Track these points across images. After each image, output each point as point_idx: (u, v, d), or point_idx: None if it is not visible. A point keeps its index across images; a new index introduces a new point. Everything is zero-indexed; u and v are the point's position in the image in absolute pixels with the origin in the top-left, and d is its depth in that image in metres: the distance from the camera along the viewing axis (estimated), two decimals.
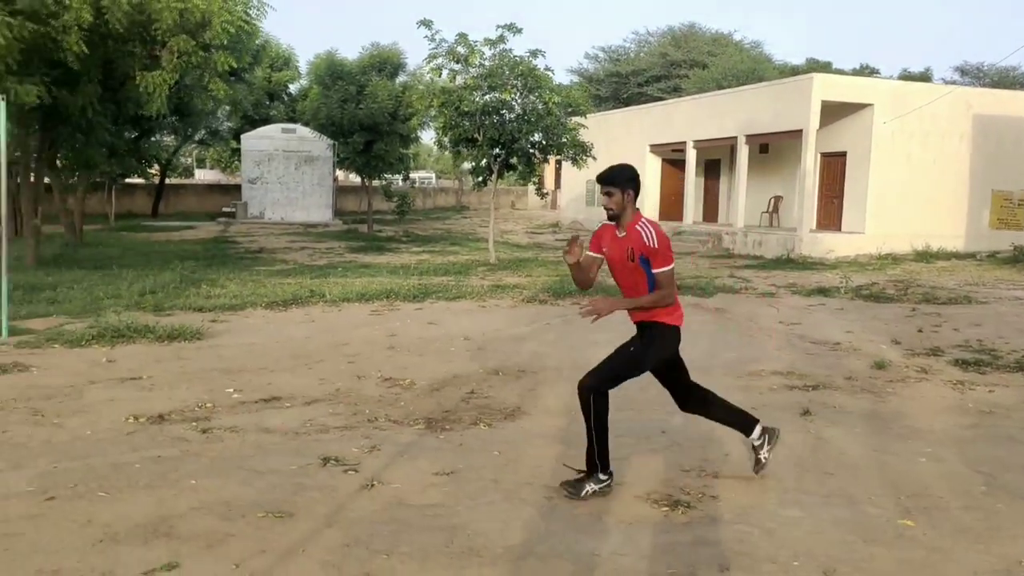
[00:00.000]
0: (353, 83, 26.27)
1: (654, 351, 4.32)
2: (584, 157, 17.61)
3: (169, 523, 3.80)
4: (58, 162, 17.00)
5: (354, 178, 42.09)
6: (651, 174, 26.71)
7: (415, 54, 63.81)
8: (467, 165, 21.19)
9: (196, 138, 31.89)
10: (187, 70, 11.56)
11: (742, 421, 4.61)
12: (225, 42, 11.37)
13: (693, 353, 8.22)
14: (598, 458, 4.25)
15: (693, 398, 4.60)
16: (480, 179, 18.39)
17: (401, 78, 27.62)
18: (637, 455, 4.97)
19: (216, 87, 11.97)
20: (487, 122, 17.27)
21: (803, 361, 7.92)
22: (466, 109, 17.27)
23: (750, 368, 7.56)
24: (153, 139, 26.24)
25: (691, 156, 24.11)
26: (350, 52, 61.18)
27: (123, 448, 4.90)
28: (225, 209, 32.84)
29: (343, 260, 18.85)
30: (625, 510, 4.11)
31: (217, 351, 8.01)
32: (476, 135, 17.42)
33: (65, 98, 12.39)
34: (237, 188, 39.56)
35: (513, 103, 17.31)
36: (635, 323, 4.37)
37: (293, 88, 37.84)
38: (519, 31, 16.68)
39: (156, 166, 30.44)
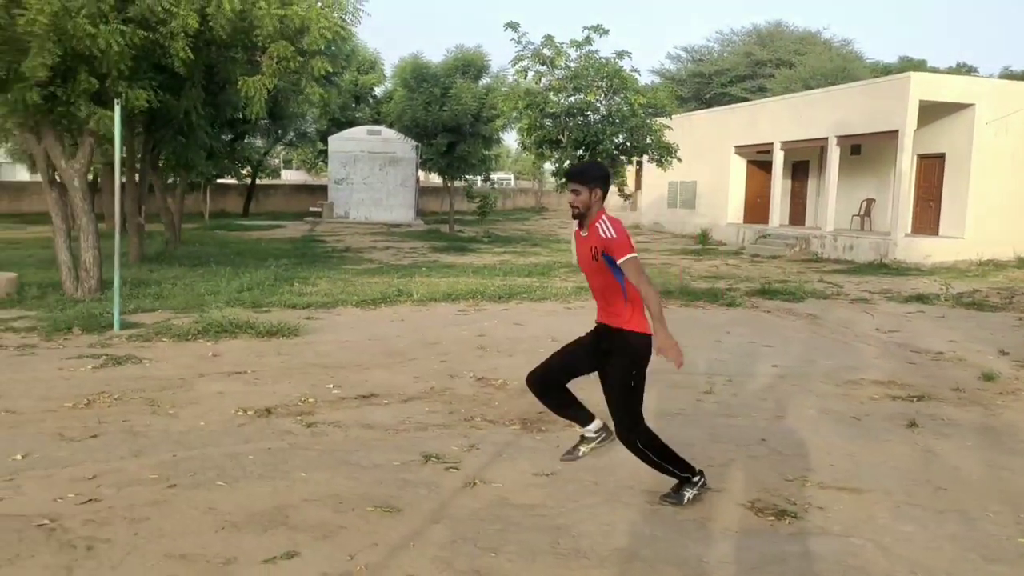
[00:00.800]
0: (438, 85, 26.64)
1: (642, 370, 4.13)
2: (669, 158, 17.43)
3: (284, 513, 3.95)
4: (160, 163, 17.77)
5: (434, 179, 42.68)
6: (736, 176, 26.23)
7: (499, 56, 64.14)
8: (549, 166, 21.26)
9: (285, 140, 32.84)
10: (285, 75, 11.91)
11: (581, 415, 4.65)
12: (322, 47, 11.68)
13: (787, 360, 8.10)
14: (681, 471, 4.23)
15: (560, 391, 4.58)
16: (563, 180, 18.37)
17: (485, 80, 27.86)
18: (738, 463, 4.90)
19: (312, 91, 12.32)
20: (571, 123, 17.29)
21: (905, 371, 7.66)
22: (551, 111, 17.34)
23: (849, 376, 7.35)
24: (246, 141, 27.15)
25: (778, 158, 23.57)
26: (435, 55, 62.10)
27: (235, 439, 5.10)
28: (312, 209, 33.72)
29: (427, 260, 19.14)
30: (729, 518, 4.06)
31: (314, 347, 8.25)
32: (560, 136, 17.46)
33: (169, 102, 12.94)
34: (323, 188, 40.62)
35: (598, 104, 17.29)
36: (601, 324, 4.24)
37: (378, 91, 38.61)
38: (606, 32, 16.63)
39: (248, 167, 31.47)
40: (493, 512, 4.05)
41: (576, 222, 4.22)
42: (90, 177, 12.24)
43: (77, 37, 9.79)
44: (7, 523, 3.75)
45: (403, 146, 31.05)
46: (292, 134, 29.69)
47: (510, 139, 40.47)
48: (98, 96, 10.74)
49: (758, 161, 25.93)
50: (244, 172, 31.28)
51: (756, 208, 25.82)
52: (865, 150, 22.41)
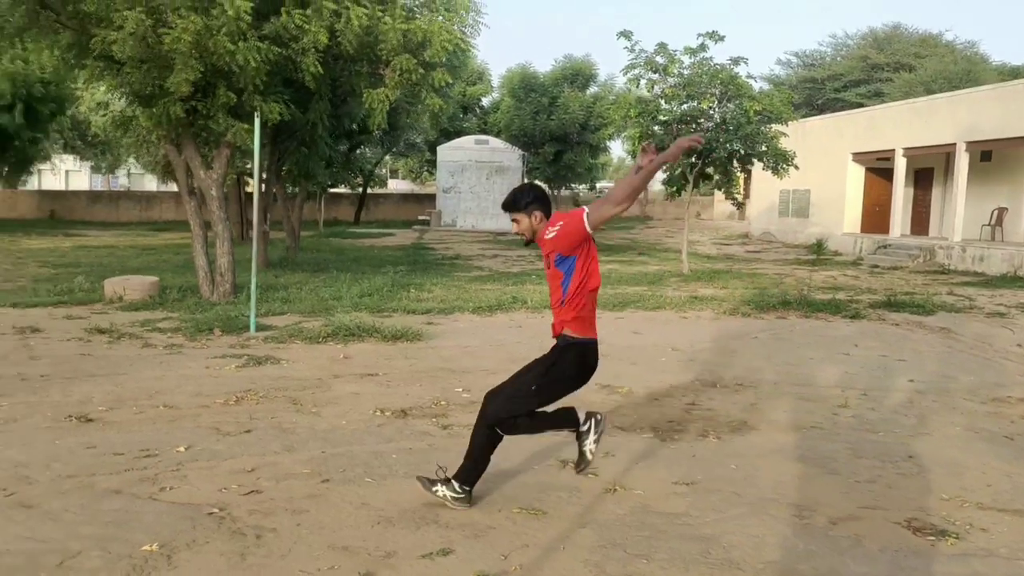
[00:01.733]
0: (545, 95, 26.87)
1: (564, 373, 4.10)
2: (786, 166, 16.97)
3: (435, 512, 4.06)
4: (283, 173, 18.56)
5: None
6: (853, 184, 25.27)
7: (607, 65, 64.60)
8: (660, 174, 21.07)
9: (396, 150, 33.77)
10: (407, 87, 12.28)
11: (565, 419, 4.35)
12: (443, 60, 11.97)
13: (924, 375, 7.75)
14: (466, 473, 4.11)
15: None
16: (674, 189, 18.17)
17: (592, 89, 27.88)
18: (885, 479, 4.73)
19: (432, 102, 12.63)
20: (683, 131, 17.08)
21: None
22: (662, 118, 17.18)
23: (995, 394, 6.97)
24: (359, 152, 28.05)
25: (900, 165, 22.58)
26: (542, 65, 62.66)
27: (377, 439, 5.28)
28: (420, 217, 34.51)
29: (535, 268, 19.25)
30: (885, 536, 3.92)
31: (438, 352, 8.44)
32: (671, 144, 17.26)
33: (296, 115, 13.54)
34: (430, 197, 41.50)
35: (711, 111, 17.02)
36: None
37: (485, 101, 39.20)
38: (721, 39, 16.36)
39: (360, 177, 32.47)
40: (638, 519, 4.04)
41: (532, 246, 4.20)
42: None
43: (218, 54, 10.36)
44: (180, 510, 4.00)
45: (510, 155, 31.39)
46: (402, 144, 30.49)
47: (616, 148, 40.36)
48: (234, 110, 11.34)
49: (877, 168, 24.92)
50: (357, 182, 32.30)
51: (874, 217, 24.80)
52: (997, 156, 21.21)
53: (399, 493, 4.30)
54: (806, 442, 5.43)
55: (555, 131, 26.35)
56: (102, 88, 24.79)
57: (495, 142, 32.70)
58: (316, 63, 11.16)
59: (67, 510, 3.94)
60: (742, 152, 17.27)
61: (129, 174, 61.66)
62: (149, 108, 11.03)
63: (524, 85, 27.36)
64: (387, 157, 40.73)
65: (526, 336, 9.59)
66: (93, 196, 38.26)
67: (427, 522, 3.94)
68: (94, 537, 3.65)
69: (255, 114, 9.89)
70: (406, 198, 41.98)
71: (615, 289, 14.26)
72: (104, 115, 12.60)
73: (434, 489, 4.11)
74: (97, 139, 43.12)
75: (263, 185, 17.56)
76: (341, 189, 34.56)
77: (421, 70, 11.96)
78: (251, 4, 10.24)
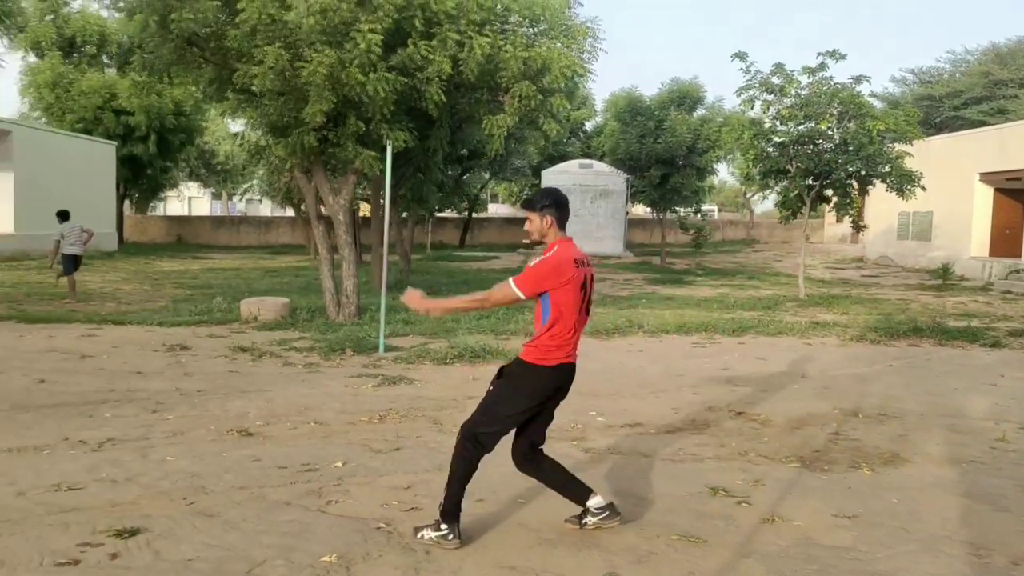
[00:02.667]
0: (652, 118, 26.73)
1: (519, 388, 3.95)
2: (911, 187, 16.32)
3: (595, 536, 4.08)
4: (398, 198, 19.13)
5: (637, 210, 42.61)
6: (981, 205, 24.03)
7: (714, 88, 64.13)
8: (765, 196, 20.60)
9: (502, 175, 34.24)
10: (525, 113, 12.49)
11: (577, 491, 4.14)
12: (561, 86, 12.14)
13: None
14: (446, 509, 3.90)
15: (538, 459, 4.18)
16: (789, 212, 17.72)
17: (699, 111, 27.57)
18: None
19: (550, 127, 12.82)
20: (799, 152, 16.69)
21: None
22: (779, 140, 16.84)
23: None
24: (467, 176, 28.60)
25: None
26: (647, 88, 62.48)
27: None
28: (525, 241, 34.76)
29: (644, 292, 19.12)
30: None
31: None
32: (787, 166, 16.89)
33: (416, 141, 13.97)
34: None
35: (830, 132, 16.57)
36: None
37: (588, 125, 39.32)
38: (842, 57, 15.95)
39: (465, 201, 33.05)
40: (803, 551, 3.95)
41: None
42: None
43: (349, 85, 10.81)
44: (349, 524, 4.16)
45: (614, 179, 31.34)
46: (509, 169, 30.91)
47: (723, 170, 39.68)
48: (362, 138, 11.79)
49: (1007, 189, 23.64)
50: (463, 206, 32.89)
51: (1005, 240, 23.49)
52: None
53: (555, 515, 4.33)
54: (967, 477, 5.18)
55: (661, 154, 26.14)
56: (229, 119, 26.33)
57: (599, 166, 32.69)
58: (439, 91, 11.49)
59: (245, 520, 4.16)
60: (863, 173, 16.73)
61: (246, 200, 64.88)
62: (284, 138, 11.59)
63: (630, 109, 27.30)
64: (491, 181, 41.32)
65: (648, 360, 9.54)
66: (216, 221, 40.34)
67: (588, 546, 3.96)
68: (275, 546, 3.84)
69: (387, 142, 10.25)
70: (510, 221, 42.42)
71: (731, 314, 13.99)
72: (240, 144, 13.26)
73: (419, 535, 3.96)
74: (220, 167, 45.62)
75: (381, 210, 18.16)
76: (447, 213, 35.26)
77: (540, 96, 12.16)
78: (381, 37, 10.67)
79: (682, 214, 30.79)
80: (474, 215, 39.79)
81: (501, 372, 4.06)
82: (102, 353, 8.92)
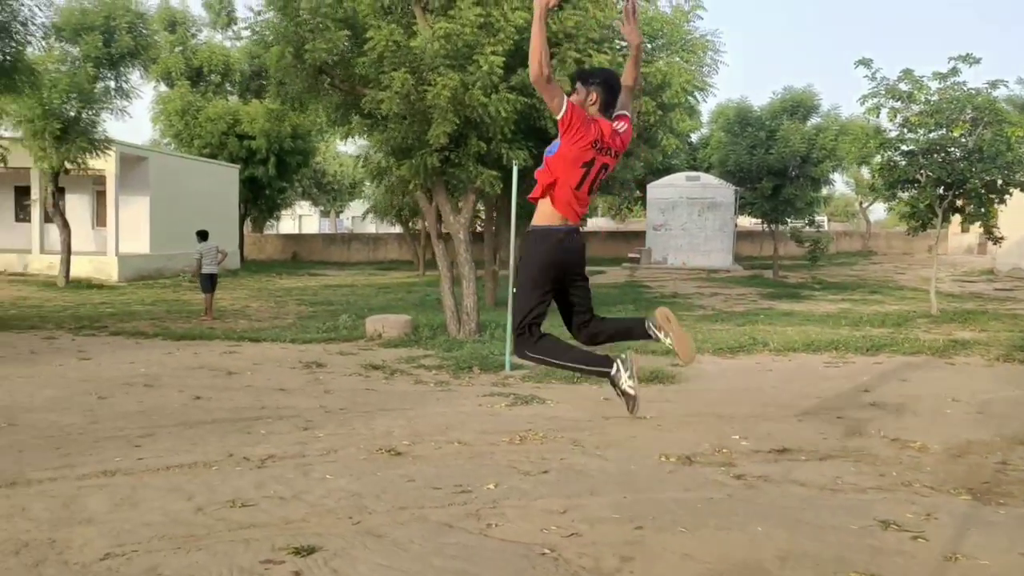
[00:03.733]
0: (763, 128, 26.10)
1: (526, 264, 4.02)
2: None
3: (763, 567, 3.96)
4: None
5: (743, 222, 41.47)
6: None
7: (830, 96, 62.71)
8: (891, 208, 19.70)
9: (608, 190, 34.03)
10: (645, 129, 12.43)
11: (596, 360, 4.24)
12: (681, 101, 12.02)
13: None
14: (595, 366, 4.15)
15: (589, 327, 4.32)
16: (919, 223, 16.90)
17: (813, 120, 26.73)
18: None
19: (669, 143, 12.71)
20: (930, 161, 15.92)
21: None
22: (908, 148, 16.12)
23: None
24: None
25: None
26: (757, 98, 61.17)
27: (673, 486, 5.26)
28: (630, 255, 34.50)
29: (759, 307, 18.61)
30: None
31: (696, 395, 8.33)
32: (917, 175, 16.14)
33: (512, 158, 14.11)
34: (635, 234, 41.41)
35: (963, 139, 15.73)
36: None
37: (694, 136, 38.72)
38: (976, 62, 15.15)
39: None
40: None
41: None
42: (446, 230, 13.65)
43: (472, 107, 11.02)
44: (513, 548, 4.17)
45: (723, 191, 30.75)
46: (616, 183, 30.70)
47: (838, 180, 38.21)
48: (483, 158, 11.97)
49: None
50: None
51: None
52: None
53: (718, 545, 4.23)
54: None
55: (773, 165, 25.47)
56: (339, 141, 27.29)
57: (706, 178, 32.14)
58: None
59: (412, 541, 4.24)
60: (999, 182, 15.81)
61: (352, 218, 67.00)
62: (408, 159, 11.89)
63: (740, 120, 26.75)
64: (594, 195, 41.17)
65: (780, 380, 9.26)
66: (328, 239, 41.77)
67: None
68: (447, 570, 3.89)
69: (514, 163, 10.38)
70: (612, 235, 42.22)
71: (859, 331, 13.43)
72: (363, 166, 13.71)
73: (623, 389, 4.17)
74: (329, 186, 47.26)
75: (493, 227, 18.37)
76: None
77: (659, 112, 12.05)
78: (502, 59, 10.83)
79: (794, 226, 29.90)
80: None
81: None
82: (245, 370, 9.33)
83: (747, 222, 41.22)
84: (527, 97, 11.42)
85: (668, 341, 4.17)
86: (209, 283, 14.47)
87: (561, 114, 3.79)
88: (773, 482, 5.38)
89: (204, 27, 33.92)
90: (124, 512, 4.59)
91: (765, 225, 30.07)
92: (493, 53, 10.80)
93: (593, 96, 3.96)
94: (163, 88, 31.99)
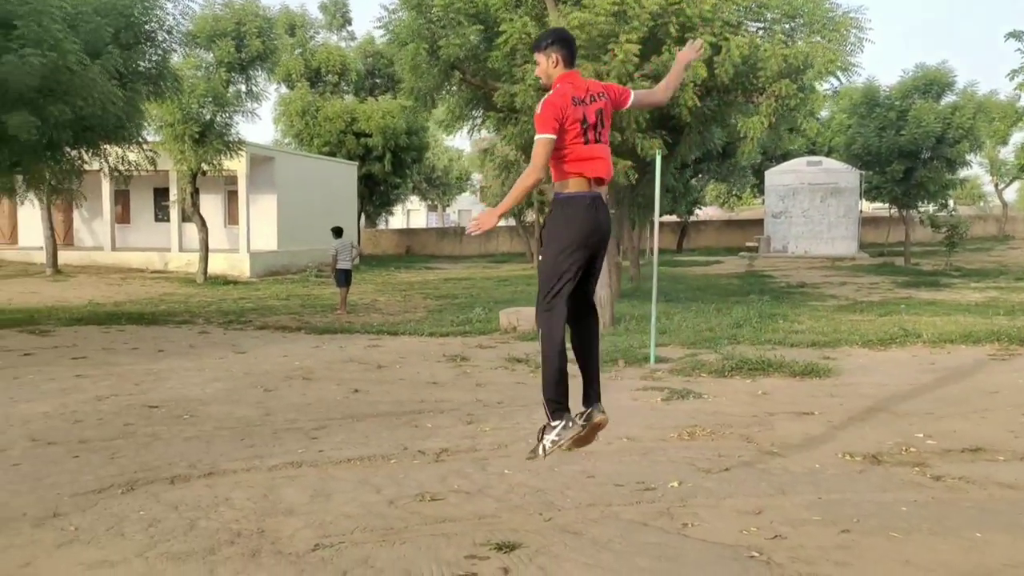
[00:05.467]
0: (892, 109, 24.80)
1: (552, 234, 3.99)
2: None
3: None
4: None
5: (866, 207, 39.63)
6: None
7: (965, 73, 59.51)
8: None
9: (720, 177, 33.20)
10: (783, 113, 11.96)
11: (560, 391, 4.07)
12: (823, 83, 11.51)
13: None
14: (550, 398, 4.02)
15: (586, 318, 4.34)
16: None
17: (948, 98, 25.19)
18: None
19: (811, 127, 12.22)
20: None
21: None
22: None
23: None
24: (694, 179, 28.07)
25: None
26: (886, 78, 58.67)
27: (867, 486, 4.99)
28: (748, 244, 33.62)
29: (897, 296, 17.72)
30: None
31: (856, 389, 7.95)
32: None
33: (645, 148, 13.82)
34: (751, 223, 40.26)
35: None
36: None
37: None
38: None
39: (684, 204, 32.38)
40: None
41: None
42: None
43: None
44: (717, 550, 4.04)
45: (846, 175, 29.48)
46: (736, 170, 29.87)
47: (977, 162, 35.92)
48: (616, 148, 11.79)
49: None
50: (682, 209, 32.31)
51: None
52: None
53: (937, 552, 3.97)
54: None
55: (905, 147, 24.12)
56: (445, 136, 27.47)
57: (828, 162, 30.89)
58: (694, 97, 11.26)
59: (611, 540, 4.16)
60: None
61: (459, 211, 67.89)
62: None
63: (867, 100, 25.46)
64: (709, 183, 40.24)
65: (945, 374, 8.71)
66: (440, 232, 42.43)
67: None
68: (653, 571, 3.80)
69: (657, 152, 10.21)
70: (728, 224, 41.20)
71: (1016, 321, 12.55)
72: (491, 159, 13.81)
73: (538, 451, 4.12)
74: (438, 180, 47.98)
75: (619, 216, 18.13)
76: (665, 218, 34.68)
77: (800, 95, 11.58)
78: (638, 47, 10.63)
79: (926, 211, 28.34)
80: (691, 219, 38.94)
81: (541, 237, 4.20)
82: (393, 363, 9.51)
83: (869, 207, 39.40)
84: None
85: (577, 429, 4.13)
86: (344, 278, 14.87)
87: (548, 135, 3.91)
88: (976, 484, 5.04)
89: (321, 29, 34.99)
90: (321, 503, 4.71)
91: (895, 210, 28.66)
92: (628, 41, 10.61)
93: (554, 57, 4.03)
94: (283, 90, 33.19)
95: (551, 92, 3.99)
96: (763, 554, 3.98)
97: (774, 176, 31.50)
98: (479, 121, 13.42)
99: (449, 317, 13.80)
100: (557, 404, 4.07)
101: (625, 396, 7.70)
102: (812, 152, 34.32)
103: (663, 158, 12.37)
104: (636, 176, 11.88)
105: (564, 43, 4.06)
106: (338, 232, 15.19)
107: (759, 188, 36.52)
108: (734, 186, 36.62)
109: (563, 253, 4.00)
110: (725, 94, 12.33)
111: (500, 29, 11.12)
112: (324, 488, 4.97)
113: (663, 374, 8.84)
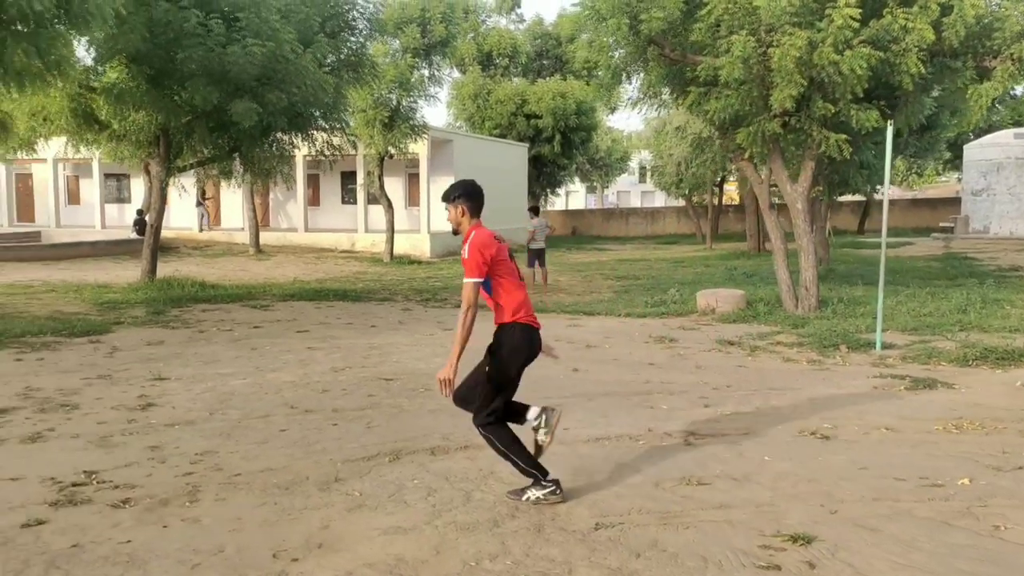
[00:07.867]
0: None
1: (506, 354, 4.30)
2: None
3: None
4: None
5: None
6: None
7: None
8: None
9: (909, 152, 30.84)
10: (1018, 78, 10.83)
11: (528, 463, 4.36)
12: None
13: None
14: (526, 465, 4.29)
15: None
16: None
17: None
18: None
19: None
20: None
21: None
22: None
23: None
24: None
25: None
26: None
27: None
28: (942, 224, 31.12)
29: None
30: None
31: None
32: None
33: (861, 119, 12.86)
34: (941, 202, 37.29)
35: None
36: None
37: (1020, 88, 33.87)
38: None
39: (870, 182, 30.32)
40: None
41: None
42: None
43: (820, 66, 10.23)
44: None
45: None
46: (934, 145, 27.60)
47: None
48: (826, 121, 11.11)
49: None
50: (869, 188, 30.27)
51: None
52: None
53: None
54: None
55: None
56: (607, 118, 26.84)
57: None
58: (919, 63, 10.40)
59: (915, 539, 3.85)
60: None
61: (618, 192, 67.28)
62: (745, 127, 11.35)
63: None
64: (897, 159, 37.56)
65: None
66: (606, 213, 42.20)
67: None
68: (976, 575, 3.48)
69: (888, 124, 9.54)
70: (916, 203, 38.31)
71: None
72: (683, 137, 13.40)
73: (524, 497, 4.31)
74: (600, 161, 47.65)
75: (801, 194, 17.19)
76: (845, 197, 32.70)
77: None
78: (858, 11, 9.92)
79: None
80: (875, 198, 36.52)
81: (489, 351, 4.36)
82: (601, 344, 9.43)
83: None
84: (881, 51, 10.40)
85: (558, 499, 4.31)
86: (537, 258, 14.99)
87: (475, 280, 4.24)
88: None
89: (491, 13, 35.42)
90: (584, 480, 4.68)
91: None
92: (847, 5, 9.92)
93: (461, 208, 4.33)
94: (456, 75, 33.89)
95: (474, 235, 4.27)
96: None
97: (975, 151, 28.90)
98: (674, 97, 13.01)
99: (641, 298, 13.59)
100: (536, 468, 4.33)
101: (862, 383, 7.24)
102: (1018, 124, 31.21)
103: (877, 130, 11.60)
104: (851, 151, 11.12)
105: (470, 196, 4.36)
106: (535, 211, 15.30)
107: (951, 164, 33.66)
108: (915, 163, 33.89)
109: (517, 368, 4.36)
110: (953, 58, 11.30)
111: (704, 0, 10.71)
112: (582, 467, 4.94)
113: (894, 361, 8.25)
